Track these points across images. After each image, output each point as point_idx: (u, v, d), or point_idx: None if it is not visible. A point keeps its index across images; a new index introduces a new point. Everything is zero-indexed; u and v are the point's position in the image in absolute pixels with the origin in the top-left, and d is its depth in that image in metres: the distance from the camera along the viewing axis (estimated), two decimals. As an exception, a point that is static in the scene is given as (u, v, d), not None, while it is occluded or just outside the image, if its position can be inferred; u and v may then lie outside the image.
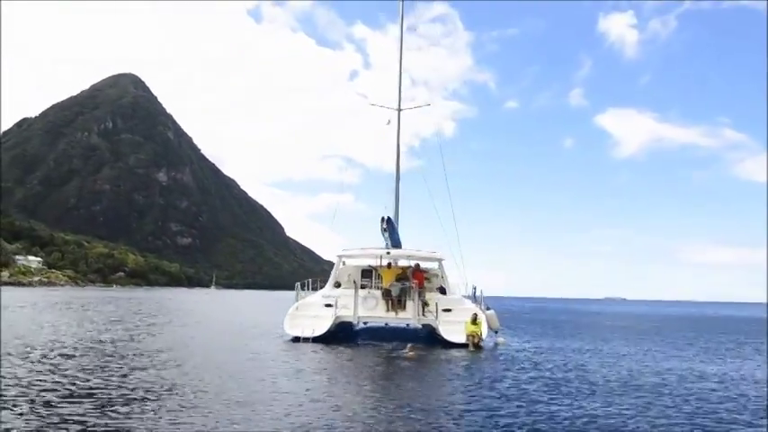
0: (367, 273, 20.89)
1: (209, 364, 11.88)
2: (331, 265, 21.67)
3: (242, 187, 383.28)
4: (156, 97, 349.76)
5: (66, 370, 10.50)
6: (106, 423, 6.70)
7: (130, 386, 9.07)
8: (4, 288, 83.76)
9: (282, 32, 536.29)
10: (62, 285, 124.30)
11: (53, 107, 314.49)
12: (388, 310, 18.86)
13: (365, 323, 20.63)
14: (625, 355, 16.64)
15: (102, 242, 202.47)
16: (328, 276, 20.30)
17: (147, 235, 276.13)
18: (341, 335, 18.51)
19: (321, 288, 20.27)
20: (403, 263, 21.03)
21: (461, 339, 16.80)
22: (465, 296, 20.37)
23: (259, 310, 44.06)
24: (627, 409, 8.51)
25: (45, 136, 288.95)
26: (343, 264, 20.60)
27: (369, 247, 20.47)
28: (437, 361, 13.89)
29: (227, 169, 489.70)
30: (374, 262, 20.62)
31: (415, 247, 20.95)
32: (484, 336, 17.27)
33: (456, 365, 13.03)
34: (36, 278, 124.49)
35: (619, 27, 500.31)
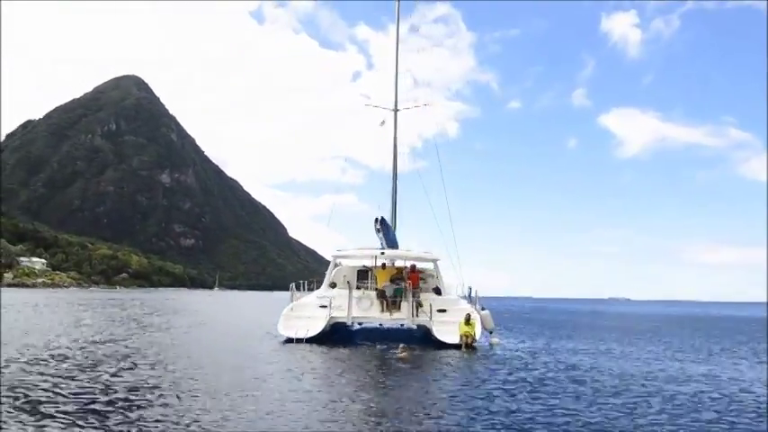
0: (363, 273, 20.93)
1: (198, 365, 11.94)
2: (333, 265, 21.64)
3: (245, 188, 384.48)
4: (158, 99, 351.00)
5: (52, 370, 10.59)
6: (86, 420, 6.77)
7: (113, 387, 9.13)
8: (8, 290, 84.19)
9: (285, 33, 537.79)
10: (66, 287, 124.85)
11: (57, 109, 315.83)
12: (382, 310, 18.88)
13: (360, 324, 20.69)
14: (617, 356, 16.63)
15: (105, 244, 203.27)
16: (323, 277, 20.35)
17: (151, 236, 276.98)
18: (335, 336, 18.56)
19: (317, 289, 20.33)
20: (400, 263, 21.07)
21: (455, 340, 16.81)
22: (461, 296, 20.38)
23: (259, 310, 44.13)
24: (609, 410, 8.53)
25: (49, 138, 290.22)
26: (338, 264, 20.65)
27: (363, 248, 20.51)
28: (428, 361, 13.91)
29: (230, 171, 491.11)
30: (369, 262, 20.67)
31: (413, 247, 21.01)
32: (477, 336, 17.26)
33: (446, 366, 13.06)
34: (40, 280, 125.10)
35: (621, 27, 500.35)
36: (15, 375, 9.90)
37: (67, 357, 12.49)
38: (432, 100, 25.65)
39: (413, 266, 20.18)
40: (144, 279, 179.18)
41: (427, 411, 8.09)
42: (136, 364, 11.72)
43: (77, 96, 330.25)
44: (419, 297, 18.81)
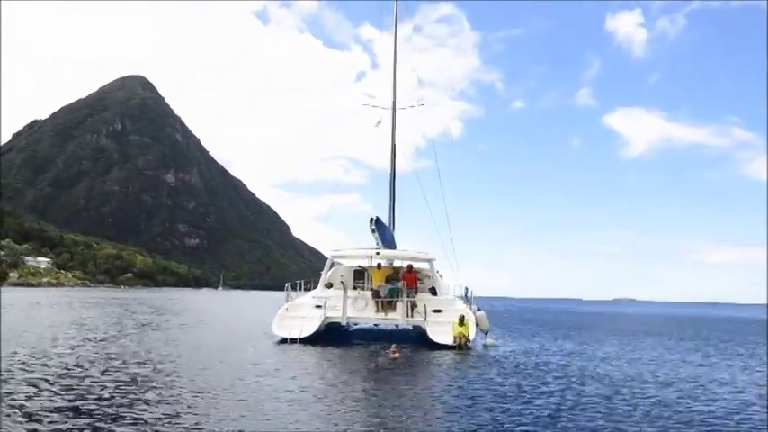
0: (359, 273, 20.94)
1: (187, 364, 11.98)
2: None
3: (249, 188, 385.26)
4: (163, 99, 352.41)
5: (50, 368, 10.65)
6: (74, 417, 6.82)
7: (98, 386, 9.17)
8: (13, 289, 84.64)
9: (289, 34, 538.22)
10: (71, 286, 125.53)
11: (62, 109, 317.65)
12: (377, 311, 18.88)
13: (354, 324, 20.67)
14: (612, 358, 16.57)
15: (110, 243, 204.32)
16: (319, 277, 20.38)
17: (156, 236, 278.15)
18: (329, 336, 18.56)
19: (313, 289, 20.34)
20: (397, 263, 21.07)
21: (449, 341, 16.78)
22: (458, 297, 20.36)
23: (260, 310, 44.19)
24: (591, 412, 8.50)
25: (55, 138, 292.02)
26: (333, 264, 20.66)
27: (359, 248, 20.51)
28: (418, 362, 13.91)
29: (235, 171, 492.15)
30: (364, 262, 20.67)
31: (412, 247, 21.00)
32: (471, 337, 17.25)
33: (436, 367, 13.06)
34: (45, 279, 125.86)
35: (626, 26, 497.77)
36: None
37: (60, 356, 12.55)
38: (430, 98, 25.76)
39: (409, 267, 20.15)
40: (148, 279, 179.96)
41: (409, 412, 8.08)
42: (125, 363, 11.78)
43: (83, 96, 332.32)
44: (414, 297, 18.79)
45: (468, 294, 20.59)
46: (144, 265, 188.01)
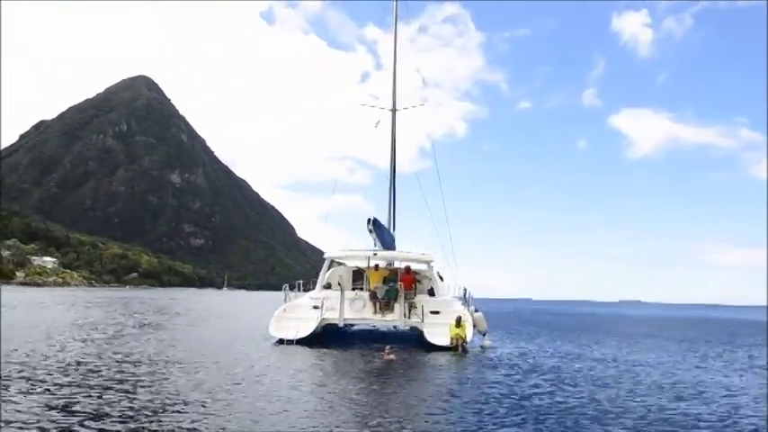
0: (357, 274, 20.92)
1: (181, 364, 12.03)
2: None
3: (254, 189, 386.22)
4: (169, 99, 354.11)
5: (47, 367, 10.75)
6: (62, 414, 6.89)
7: (86, 385, 9.24)
8: (19, 288, 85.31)
9: (294, 34, 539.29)
10: (77, 286, 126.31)
11: (69, 110, 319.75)
12: (375, 312, 18.86)
13: (352, 325, 20.66)
14: (608, 360, 16.53)
15: (116, 243, 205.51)
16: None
17: (161, 236, 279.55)
18: (326, 337, 18.57)
19: (312, 289, 20.35)
20: (398, 265, 21.05)
21: (446, 342, 16.77)
22: (456, 298, 20.33)
23: (262, 311, 44.26)
24: (577, 414, 8.50)
25: (62, 138, 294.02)
26: (331, 265, 20.68)
27: (357, 249, 20.52)
28: (413, 364, 13.90)
29: (240, 171, 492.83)
30: (362, 263, 20.67)
31: (412, 248, 20.99)
32: (468, 338, 17.22)
33: (430, 369, 13.07)
34: (51, 279, 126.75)
35: (633, 26, 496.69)
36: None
37: (56, 354, 12.65)
38: (434, 99, 25.95)
39: (407, 268, 20.13)
40: (154, 278, 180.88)
41: (398, 415, 8.09)
42: (118, 362, 11.86)
43: (90, 97, 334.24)
44: (412, 299, 18.78)
45: (467, 295, 20.57)
46: (149, 265, 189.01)
